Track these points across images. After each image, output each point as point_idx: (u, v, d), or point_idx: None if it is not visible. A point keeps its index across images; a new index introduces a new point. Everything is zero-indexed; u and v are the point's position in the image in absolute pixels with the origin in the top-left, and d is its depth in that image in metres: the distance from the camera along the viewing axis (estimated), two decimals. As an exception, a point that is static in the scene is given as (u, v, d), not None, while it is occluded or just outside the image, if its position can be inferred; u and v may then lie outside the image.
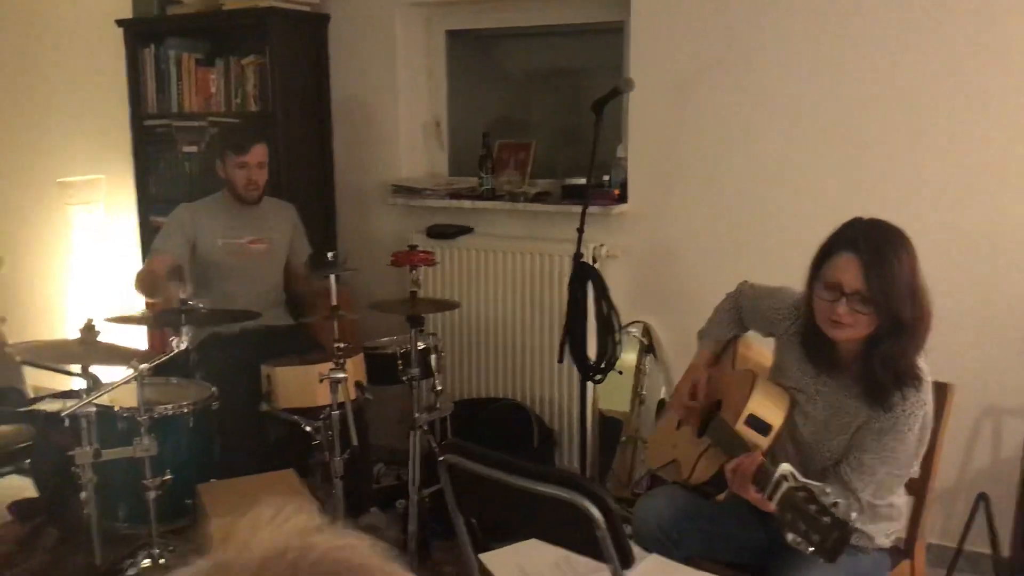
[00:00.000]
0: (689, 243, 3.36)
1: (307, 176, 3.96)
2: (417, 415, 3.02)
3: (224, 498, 2.63)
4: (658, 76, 3.32)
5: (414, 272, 3.00)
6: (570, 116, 3.98)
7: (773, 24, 3.15)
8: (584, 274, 3.11)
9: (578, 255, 3.09)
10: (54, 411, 3.44)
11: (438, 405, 3.17)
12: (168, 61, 4.02)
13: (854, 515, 1.74)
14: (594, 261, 3.24)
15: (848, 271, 1.89)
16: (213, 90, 3.95)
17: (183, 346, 2.51)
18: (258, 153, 3.36)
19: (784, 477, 1.69)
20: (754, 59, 3.19)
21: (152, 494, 2.58)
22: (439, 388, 3.19)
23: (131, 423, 2.63)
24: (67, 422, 2.45)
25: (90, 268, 4.35)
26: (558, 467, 3.46)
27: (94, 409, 2.47)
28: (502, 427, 3.41)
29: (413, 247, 3.03)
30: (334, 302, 2.71)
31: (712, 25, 3.25)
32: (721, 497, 1.99)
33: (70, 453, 2.49)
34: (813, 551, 1.58)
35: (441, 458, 1.65)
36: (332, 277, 2.73)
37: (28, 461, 3.59)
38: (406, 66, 3.90)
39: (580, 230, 3.07)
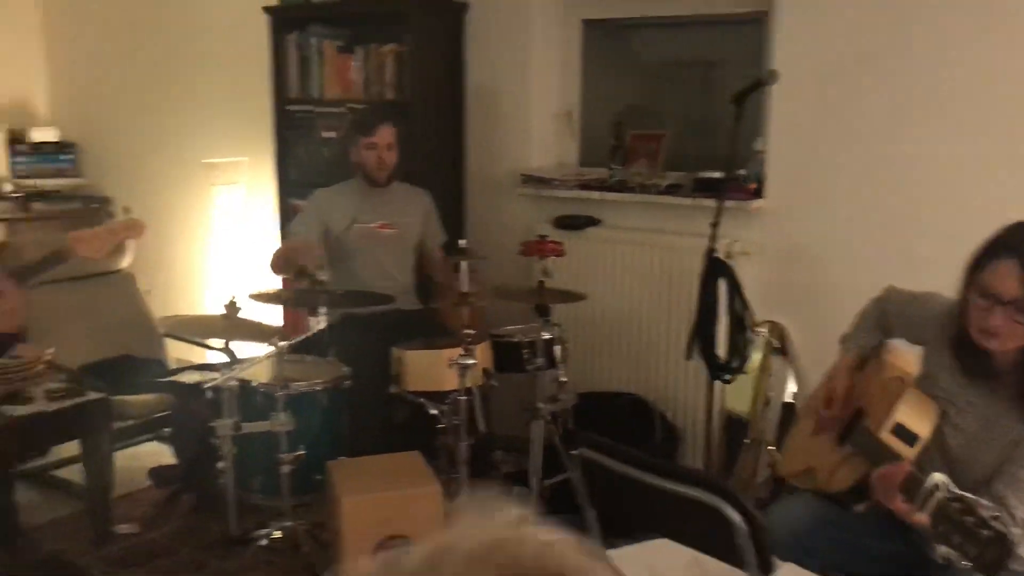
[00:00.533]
0: (829, 242, 3.24)
1: (439, 164, 4.00)
2: (541, 405, 3.02)
3: (353, 475, 2.69)
4: (802, 68, 3.21)
5: (543, 262, 2.99)
6: (702, 107, 3.89)
7: (925, 15, 2.99)
8: (717, 270, 3.04)
9: (712, 250, 3.02)
10: (195, 383, 3.60)
11: (561, 396, 3.15)
12: (311, 48, 4.13)
13: (1016, 531, 1.64)
14: (727, 257, 3.15)
15: (1008, 279, 1.78)
16: (353, 77, 4.04)
17: (321, 326, 2.57)
18: (386, 134, 3.42)
19: (937, 487, 1.61)
20: (904, 52, 3.05)
21: (286, 468, 2.66)
22: (563, 379, 3.17)
23: (268, 398, 2.72)
24: (210, 394, 2.55)
25: (229, 246, 4.51)
26: (693, 468, 3.39)
27: (236, 383, 2.56)
28: (624, 422, 3.37)
29: (543, 237, 3.03)
30: (465, 289, 2.73)
31: (861, 16, 3.12)
32: (860, 508, 1.91)
33: (211, 424, 2.59)
34: (970, 566, 1.49)
35: (575, 451, 1.63)
36: (463, 264, 2.75)
37: (167, 429, 3.78)
38: (541, 55, 3.90)
39: (715, 224, 2.99)
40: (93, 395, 3.20)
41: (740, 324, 3.04)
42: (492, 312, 3.68)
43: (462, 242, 2.81)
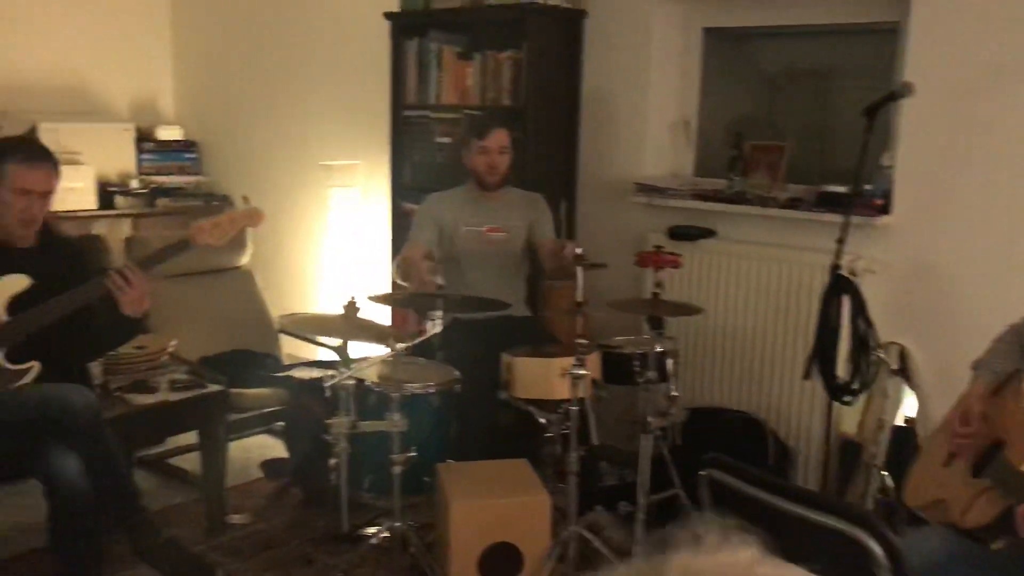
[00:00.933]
0: (960, 262, 3.10)
1: (552, 170, 4.00)
2: (650, 419, 2.98)
3: (462, 480, 2.70)
4: (937, 80, 3.09)
5: (658, 273, 2.95)
6: (823, 119, 3.78)
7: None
8: (841, 287, 2.94)
9: (836, 267, 2.93)
10: (311, 379, 3.67)
11: (671, 411, 3.10)
12: (430, 53, 4.18)
13: None
14: (852, 275, 3.05)
15: None
16: (469, 83, 4.07)
17: (437, 329, 2.59)
18: (499, 138, 3.43)
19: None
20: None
21: (398, 468, 2.68)
22: (674, 393, 3.12)
23: (382, 398, 2.75)
24: (327, 392, 2.59)
25: (342, 246, 4.60)
26: (830, 495, 3.29)
27: (353, 382, 2.60)
28: (734, 440, 3.29)
29: (659, 248, 2.98)
30: (580, 298, 2.71)
31: (996, 28, 2.98)
32: (1000, 545, 1.81)
33: (327, 421, 2.63)
34: None
35: (703, 472, 1.59)
36: (579, 272, 2.73)
37: (281, 423, 3.87)
38: (660, 63, 3.85)
39: (841, 241, 2.90)
40: (213, 387, 3.30)
41: (863, 344, 2.94)
42: (599, 322, 3.67)
43: (579, 249, 2.78)
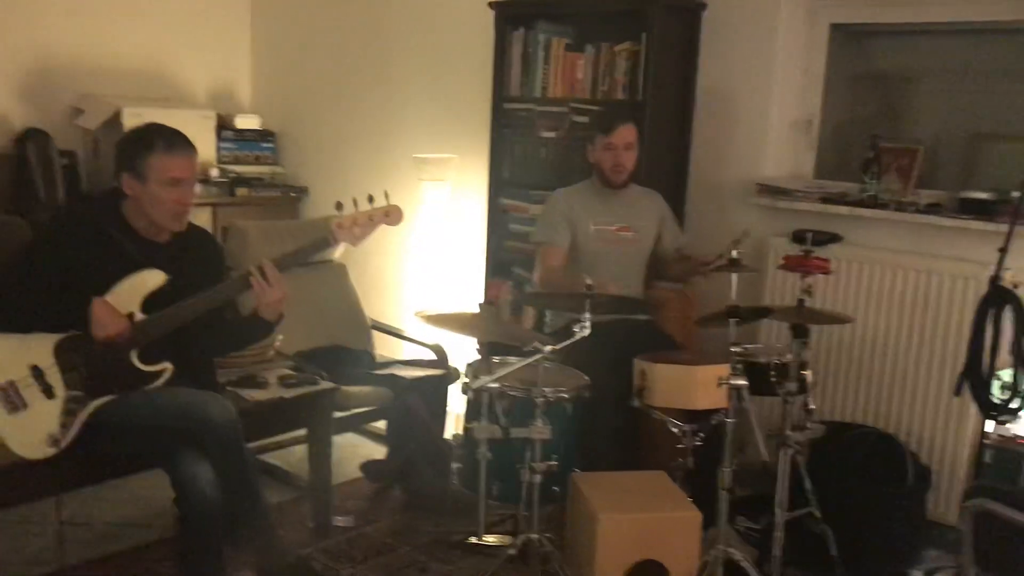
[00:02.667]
0: None
1: (663, 167, 3.84)
2: (789, 433, 2.82)
3: (603, 491, 2.56)
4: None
5: (806, 280, 2.79)
6: (956, 122, 3.61)
7: None
8: (1000, 300, 2.77)
9: (996, 277, 2.76)
10: (416, 378, 3.56)
11: (809, 424, 2.94)
12: (537, 45, 4.04)
13: None
14: (1013, 287, 2.88)
15: None
16: (580, 76, 3.92)
17: (585, 333, 2.45)
18: (625, 134, 3.29)
19: None
20: None
21: (537, 478, 2.54)
22: (811, 406, 2.96)
23: (522, 403, 2.60)
24: (470, 395, 2.46)
25: (435, 242, 4.47)
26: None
27: (496, 386, 2.46)
28: (868, 457, 3.12)
29: (808, 252, 2.82)
30: (734, 301, 2.56)
31: None
32: None
33: (467, 426, 2.50)
34: None
35: (969, 502, 1.44)
36: (733, 276, 2.59)
37: (371, 423, 3.74)
38: (784, 59, 3.69)
39: (1003, 250, 2.74)
40: (325, 384, 3.18)
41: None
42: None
43: (736, 252, 2.64)
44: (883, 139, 3.46)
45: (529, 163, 4.14)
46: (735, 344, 2.56)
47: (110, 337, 2.42)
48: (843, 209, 3.43)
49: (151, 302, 2.54)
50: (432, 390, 3.71)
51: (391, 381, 3.61)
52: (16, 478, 2.43)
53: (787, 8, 3.66)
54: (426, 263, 4.52)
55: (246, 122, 5.51)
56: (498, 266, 4.31)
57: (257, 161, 5.49)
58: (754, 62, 3.72)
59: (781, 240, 3.57)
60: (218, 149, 5.37)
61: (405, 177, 4.80)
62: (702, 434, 2.87)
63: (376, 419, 3.71)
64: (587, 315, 2.46)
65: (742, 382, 2.50)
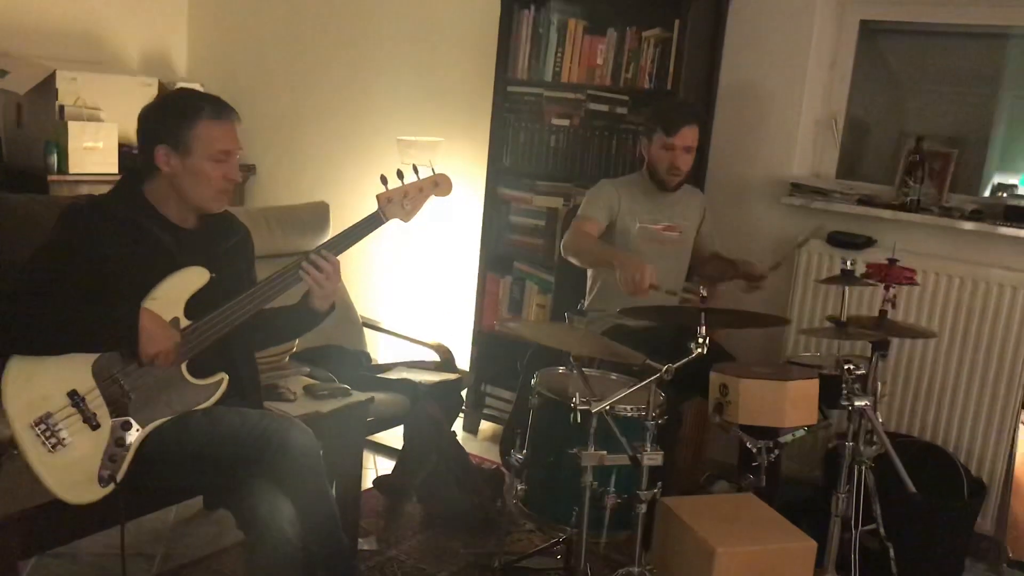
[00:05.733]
0: None
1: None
2: (863, 448, 2.71)
3: (704, 518, 2.36)
4: None
5: (891, 291, 2.68)
6: (979, 125, 3.60)
7: None
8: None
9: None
10: (433, 383, 3.27)
11: (875, 439, 2.84)
12: (549, 26, 3.78)
13: None
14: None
15: None
16: (599, 61, 3.69)
17: (704, 350, 2.24)
18: (688, 136, 3.09)
19: None
20: None
21: (642, 508, 2.32)
22: (880, 420, 2.86)
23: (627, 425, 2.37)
24: (577, 417, 2.21)
25: (420, 233, 4.16)
26: None
27: (608, 407, 2.22)
28: (923, 471, 3.05)
29: (893, 260, 2.71)
30: (843, 316, 2.42)
31: None
32: None
33: (571, 451, 2.26)
34: None
35: None
36: (844, 290, 2.43)
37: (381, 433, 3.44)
38: (813, 54, 3.57)
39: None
40: (358, 395, 2.85)
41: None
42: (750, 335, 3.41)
43: (850, 262, 2.48)
44: (906, 142, 3.39)
45: (535, 151, 3.88)
46: (846, 360, 2.42)
47: (162, 352, 2.04)
48: (885, 212, 3.35)
49: (192, 303, 2.16)
50: (446, 395, 3.43)
51: (407, 387, 3.31)
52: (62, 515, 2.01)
53: (820, 2, 3.54)
54: (412, 256, 4.21)
55: (187, 92, 5.00)
56: (496, 260, 4.05)
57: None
58: (782, 56, 3.58)
59: (813, 242, 3.47)
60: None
61: (382, 160, 4.46)
62: (777, 452, 2.73)
63: (384, 428, 3.39)
64: (702, 329, 2.24)
65: (866, 402, 2.35)
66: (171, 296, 2.10)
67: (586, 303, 3.25)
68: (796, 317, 3.47)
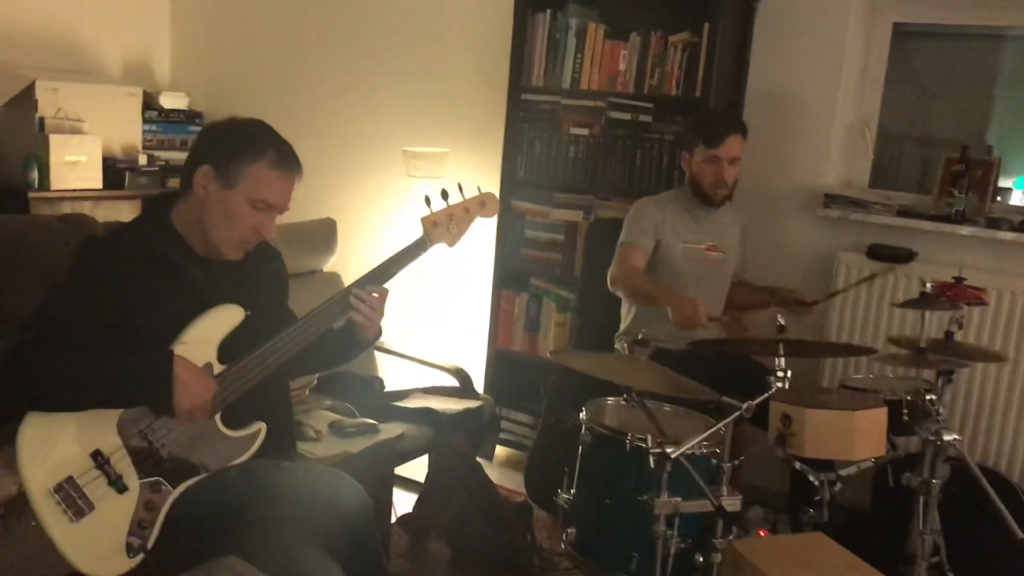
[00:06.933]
0: None
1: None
2: (935, 480, 2.55)
3: (778, 562, 2.19)
4: None
5: (959, 311, 2.52)
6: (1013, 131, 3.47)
7: None
8: None
9: None
10: (456, 412, 3.06)
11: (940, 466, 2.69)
12: (566, 30, 3.60)
13: None
14: None
15: None
16: (621, 67, 3.51)
17: (786, 385, 2.06)
18: (733, 147, 2.92)
19: None
20: None
21: (718, 557, 2.14)
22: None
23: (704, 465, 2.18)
24: (653, 463, 2.02)
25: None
26: None
27: (689, 452, 2.03)
28: (986, 500, 2.90)
29: (959, 279, 2.55)
30: (932, 346, 2.25)
31: None
32: None
33: (641, 498, 2.07)
34: None
35: None
36: (925, 314, 2.27)
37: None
38: (846, 59, 3.42)
39: None
40: (388, 432, 2.65)
41: None
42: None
43: (929, 284, 2.32)
44: (939, 149, 3.26)
45: (552, 162, 3.69)
46: (927, 389, 2.25)
47: (199, 406, 1.81)
48: (927, 224, 3.20)
49: (225, 345, 1.94)
50: (469, 425, 3.23)
51: (430, 417, 3.09)
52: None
53: (854, 5, 3.39)
54: (421, 272, 4.00)
55: (173, 101, 4.77)
56: (510, 276, 3.86)
57: (184, 146, 4.74)
58: (817, 60, 3.43)
59: (850, 255, 3.32)
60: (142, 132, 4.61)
61: (387, 172, 4.26)
62: (840, 485, 2.56)
63: (405, 461, 3.17)
64: (781, 361, 2.07)
65: (956, 436, 2.19)
66: (203, 339, 1.88)
67: (622, 327, 3.07)
68: (835, 337, 3.31)
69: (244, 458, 1.92)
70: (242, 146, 1.91)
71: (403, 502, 3.37)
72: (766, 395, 2.08)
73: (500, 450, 3.96)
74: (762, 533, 2.78)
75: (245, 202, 1.92)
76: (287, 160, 1.95)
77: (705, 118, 2.99)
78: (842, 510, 3.15)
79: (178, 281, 1.93)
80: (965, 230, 3.13)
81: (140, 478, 1.81)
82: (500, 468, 3.87)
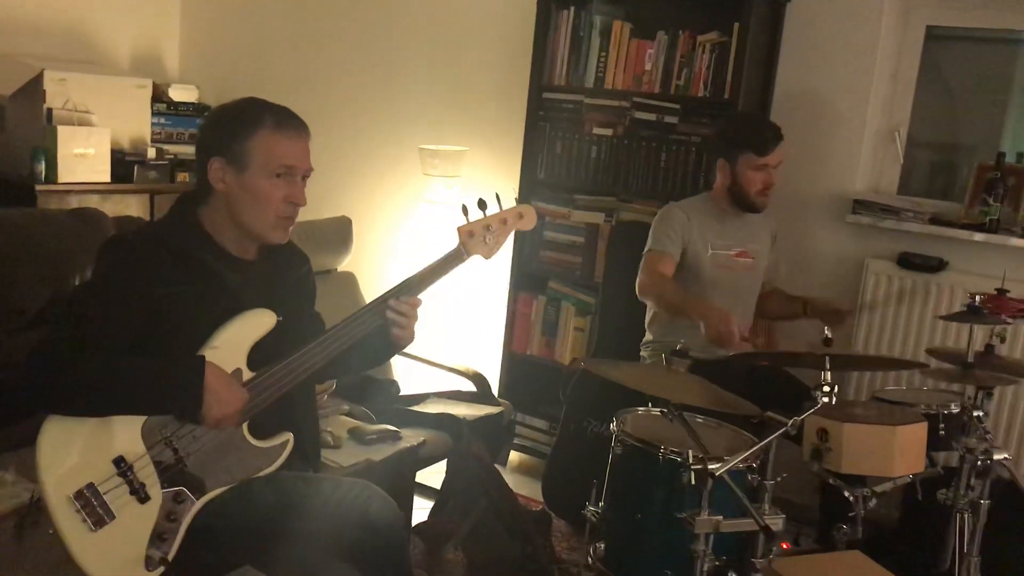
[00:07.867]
0: None
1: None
2: (982, 502, 2.48)
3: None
4: None
5: (1006, 325, 2.44)
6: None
7: None
8: None
9: None
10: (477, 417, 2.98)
11: (974, 482, 2.61)
12: (591, 28, 3.52)
13: None
14: None
15: None
16: (647, 67, 3.43)
17: (833, 400, 1.98)
18: (780, 153, 2.86)
19: None
20: None
21: (758, 575, 2.07)
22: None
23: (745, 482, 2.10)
24: (690, 479, 1.94)
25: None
26: None
27: (721, 468, 1.95)
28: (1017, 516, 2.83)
29: (1002, 291, 2.47)
30: (977, 359, 2.17)
31: None
32: None
33: (680, 515, 1.98)
34: None
35: None
36: (973, 328, 2.19)
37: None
38: (878, 62, 3.35)
39: None
40: (410, 439, 2.57)
41: None
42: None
43: (978, 300, 2.24)
44: (968, 156, 3.19)
45: (574, 163, 3.61)
46: (975, 406, 2.17)
47: (229, 415, 1.73)
48: (961, 233, 3.12)
49: (254, 351, 1.86)
50: (488, 431, 3.15)
51: (450, 423, 3.02)
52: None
53: (887, 7, 3.31)
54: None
55: (182, 93, 4.68)
56: (528, 279, 3.78)
57: (193, 140, 4.62)
58: (847, 63, 3.35)
59: (880, 263, 3.25)
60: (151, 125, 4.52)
61: (402, 170, 4.17)
62: (875, 501, 2.48)
63: (423, 467, 3.08)
64: (827, 375, 1.99)
65: (1006, 455, 2.11)
66: (234, 343, 1.80)
67: (649, 335, 2.99)
68: (862, 347, 3.23)
69: (271, 469, 1.83)
70: (239, 124, 1.84)
71: (418, 508, 3.29)
72: (812, 410, 1.98)
73: (514, 455, 3.88)
74: (785, 545, 2.69)
75: (264, 176, 1.85)
76: (287, 120, 1.88)
77: (751, 126, 2.92)
78: (869, 524, 3.08)
79: (208, 283, 1.85)
80: (995, 238, 3.06)
81: (163, 487, 1.72)
82: (514, 474, 3.79)
